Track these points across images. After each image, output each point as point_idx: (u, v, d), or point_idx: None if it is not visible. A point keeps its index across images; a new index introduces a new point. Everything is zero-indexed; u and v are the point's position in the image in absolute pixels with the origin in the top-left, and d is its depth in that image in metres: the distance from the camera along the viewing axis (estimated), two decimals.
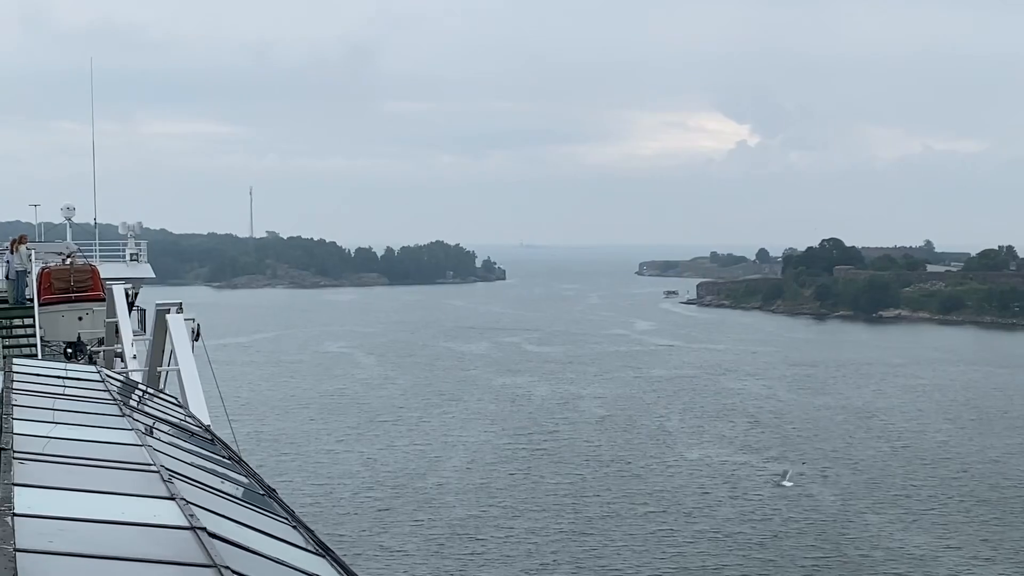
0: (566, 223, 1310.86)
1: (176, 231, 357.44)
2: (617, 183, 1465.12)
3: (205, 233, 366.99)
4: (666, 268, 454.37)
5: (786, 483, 73.23)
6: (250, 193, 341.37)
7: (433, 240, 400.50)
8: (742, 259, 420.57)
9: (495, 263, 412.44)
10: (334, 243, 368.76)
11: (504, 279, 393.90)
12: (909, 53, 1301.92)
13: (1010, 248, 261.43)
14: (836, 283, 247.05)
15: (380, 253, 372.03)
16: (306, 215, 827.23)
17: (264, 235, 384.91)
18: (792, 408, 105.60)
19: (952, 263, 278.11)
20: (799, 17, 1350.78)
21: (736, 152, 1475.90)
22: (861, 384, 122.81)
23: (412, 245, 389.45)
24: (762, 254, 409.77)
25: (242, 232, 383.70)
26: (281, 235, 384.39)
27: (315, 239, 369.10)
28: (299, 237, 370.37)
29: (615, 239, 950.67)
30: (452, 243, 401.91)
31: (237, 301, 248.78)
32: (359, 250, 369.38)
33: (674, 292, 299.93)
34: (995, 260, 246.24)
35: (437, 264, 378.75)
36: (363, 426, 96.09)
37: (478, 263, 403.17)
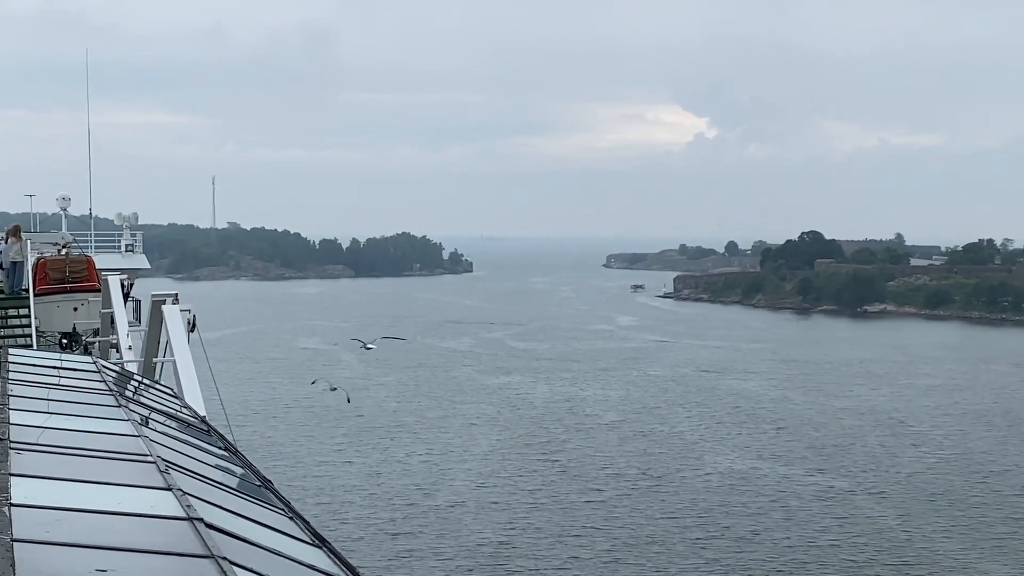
0: (527, 215, 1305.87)
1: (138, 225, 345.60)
2: (576, 175, 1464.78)
3: (165, 224, 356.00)
4: (634, 260, 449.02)
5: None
6: (212, 183, 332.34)
7: (398, 232, 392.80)
8: (711, 252, 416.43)
9: (462, 255, 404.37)
10: (298, 234, 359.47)
11: (471, 271, 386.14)
12: (864, 46, 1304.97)
13: (991, 241, 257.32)
14: (818, 277, 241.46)
15: (345, 245, 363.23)
16: (267, 206, 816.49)
17: (226, 226, 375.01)
18: (811, 412, 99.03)
19: (935, 256, 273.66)
20: (756, 11, 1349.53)
21: (695, 144, 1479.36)
22: (874, 384, 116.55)
23: (378, 236, 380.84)
24: (731, 246, 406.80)
25: (203, 223, 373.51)
26: (243, 226, 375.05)
27: (279, 230, 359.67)
28: (262, 228, 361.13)
29: (578, 231, 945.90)
30: (418, 235, 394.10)
31: (200, 293, 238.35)
32: (324, 241, 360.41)
33: (640, 286, 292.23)
34: (979, 254, 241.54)
35: (403, 256, 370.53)
36: (358, 433, 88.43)
37: (445, 255, 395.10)
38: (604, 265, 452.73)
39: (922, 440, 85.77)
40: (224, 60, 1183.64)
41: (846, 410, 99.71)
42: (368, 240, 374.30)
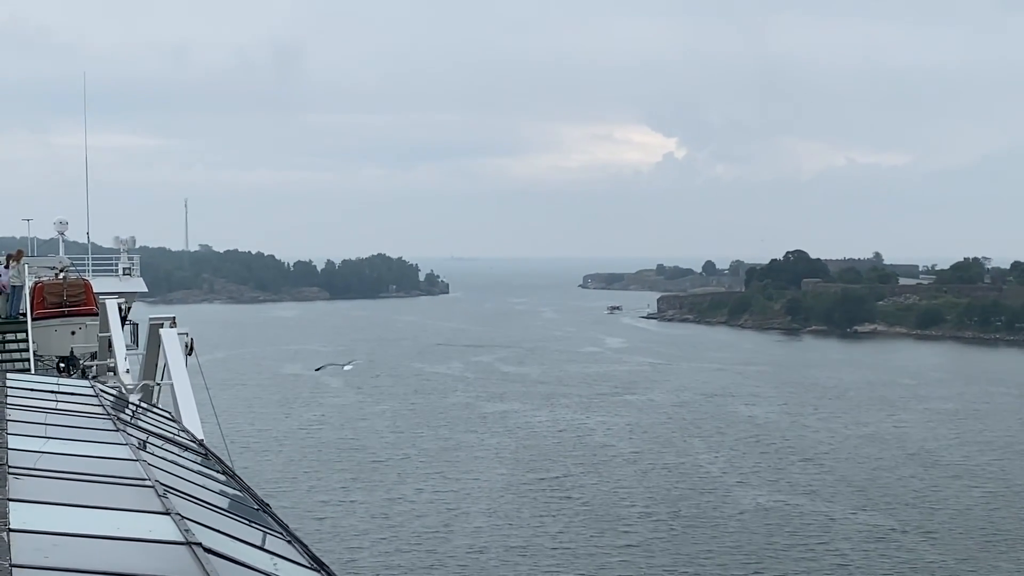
0: (497, 235, 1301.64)
1: (105, 244, 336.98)
2: (546, 195, 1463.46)
3: (137, 246, 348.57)
4: (611, 281, 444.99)
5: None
6: (185, 205, 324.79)
7: (373, 253, 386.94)
8: (689, 271, 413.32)
9: (439, 276, 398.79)
10: (272, 256, 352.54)
11: (448, 293, 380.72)
12: (830, 65, 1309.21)
13: (976, 260, 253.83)
14: (806, 297, 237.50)
15: (320, 266, 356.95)
16: (237, 228, 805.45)
17: (197, 248, 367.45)
18: (834, 440, 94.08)
19: (922, 275, 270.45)
20: (724, 31, 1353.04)
21: (664, 165, 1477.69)
22: (889, 410, 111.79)
23: (353, 258, 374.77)
24: (708, 266, 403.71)
25: (174, 245, 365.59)
26: (215, 248, 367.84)
27: (252, 252, 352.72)
28: (236, 250, 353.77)
29: (550, 251, 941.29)
30: (394, 256, 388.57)
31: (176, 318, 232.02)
32: (298, 263, 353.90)
33: (617, 307, 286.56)
34: (968, 273, 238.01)
35: (379, 278, 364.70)
36: (358, 469, 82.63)
37: (421, 276, 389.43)
38: (580, 286, 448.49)
39: (961, 472, 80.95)
40: (190, 79, 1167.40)
41: (869, 438, 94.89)
42: (344, 262, 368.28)
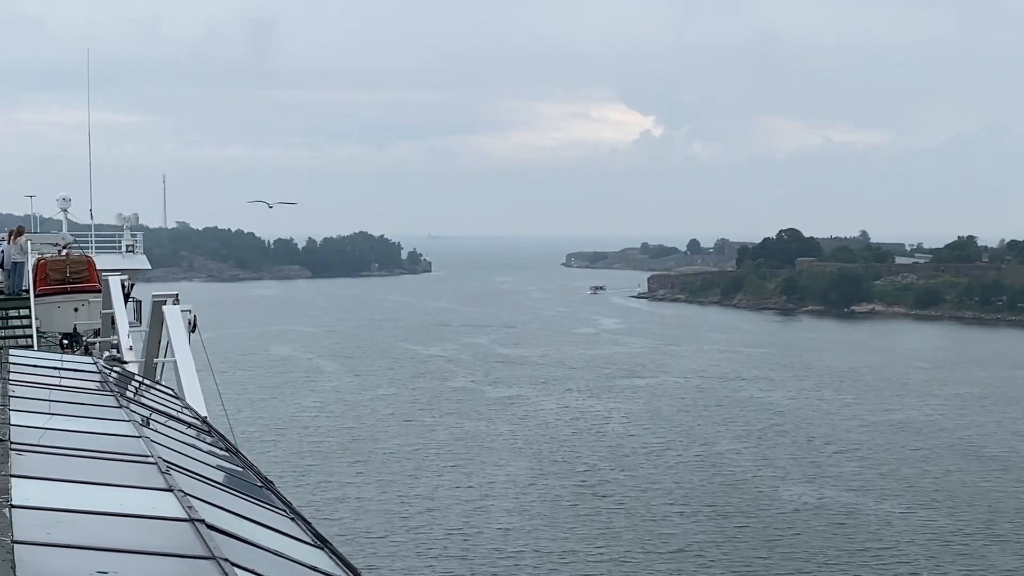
0: (474, 214, 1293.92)
1: (80, 222, 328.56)
2: (523, 173, 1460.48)
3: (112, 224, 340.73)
4: (595, 259, 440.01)
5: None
6: (163, 181, 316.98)
7: (356, 231, 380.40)
8: (673, 250, 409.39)
9: (421, 255, 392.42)
10: (252, 234, 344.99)
11: (430, 271, 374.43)
12: (807, 45, 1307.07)
13: (971, 238, 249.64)
14: (801, 276, 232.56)
15: (301, 244, 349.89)
16: (213, 205, 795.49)
17: (175, 226, 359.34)
18: (865, 429, 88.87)
19: (917, 254, 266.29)
20: (699, 10, 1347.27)
21: (640, 143, 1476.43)
22: (912, 396, 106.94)
23: (335, 236, 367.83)
24: (693, 245, 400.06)
25: (152, 223, 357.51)
26: (192, 226, 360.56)
27: (232, 230, 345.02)
28: (215, 228, 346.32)
29: (529, 230, 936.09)
30: (375, 234, 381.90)
31: None
32: (279, 241, 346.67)
33: (600, 287, 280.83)
34: (966, 252, 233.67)
35: (361, 256, 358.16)
36: (367, 461, 77.02)
37: (403, 255, 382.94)
38: (563, 264, 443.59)
39: (1010, 465, 75.74)
40: (161, 55, 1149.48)
41: (901, 426, 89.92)
42: (325, 239, 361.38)
